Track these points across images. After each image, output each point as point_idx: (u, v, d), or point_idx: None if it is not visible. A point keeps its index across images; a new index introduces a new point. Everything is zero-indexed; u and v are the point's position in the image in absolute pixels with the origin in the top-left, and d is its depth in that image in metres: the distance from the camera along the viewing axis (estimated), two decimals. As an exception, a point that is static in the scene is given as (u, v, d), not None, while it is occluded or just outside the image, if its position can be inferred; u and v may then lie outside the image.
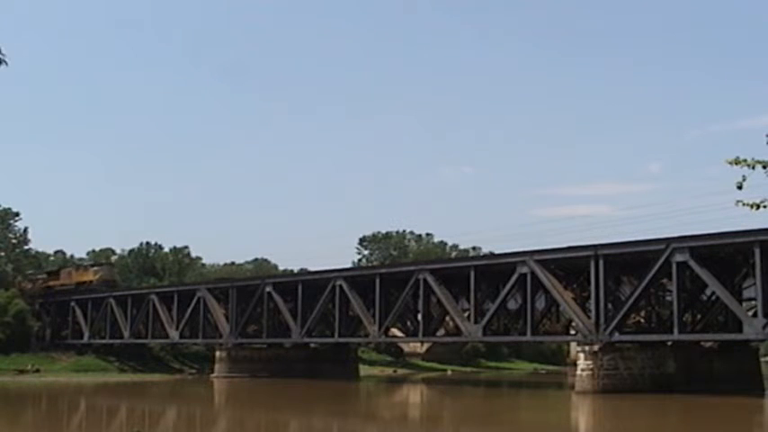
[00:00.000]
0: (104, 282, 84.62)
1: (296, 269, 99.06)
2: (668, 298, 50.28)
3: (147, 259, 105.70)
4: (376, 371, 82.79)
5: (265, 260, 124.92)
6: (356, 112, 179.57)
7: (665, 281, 49.24)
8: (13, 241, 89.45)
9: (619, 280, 52.86)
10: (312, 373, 64.99)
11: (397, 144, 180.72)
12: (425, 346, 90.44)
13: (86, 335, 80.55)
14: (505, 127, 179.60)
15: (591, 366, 47.16)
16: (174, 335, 73.66)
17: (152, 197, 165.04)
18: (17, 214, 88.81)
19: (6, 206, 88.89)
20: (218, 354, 69.31)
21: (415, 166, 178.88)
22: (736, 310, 45.21)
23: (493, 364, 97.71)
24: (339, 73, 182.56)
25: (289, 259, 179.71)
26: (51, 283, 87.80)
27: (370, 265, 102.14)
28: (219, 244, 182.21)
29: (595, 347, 47.25)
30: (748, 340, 48.44)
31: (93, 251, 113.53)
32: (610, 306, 48.67)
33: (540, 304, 56.15)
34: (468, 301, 56.34)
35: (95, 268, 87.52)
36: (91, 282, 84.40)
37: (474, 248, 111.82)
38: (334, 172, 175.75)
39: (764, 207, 8.68)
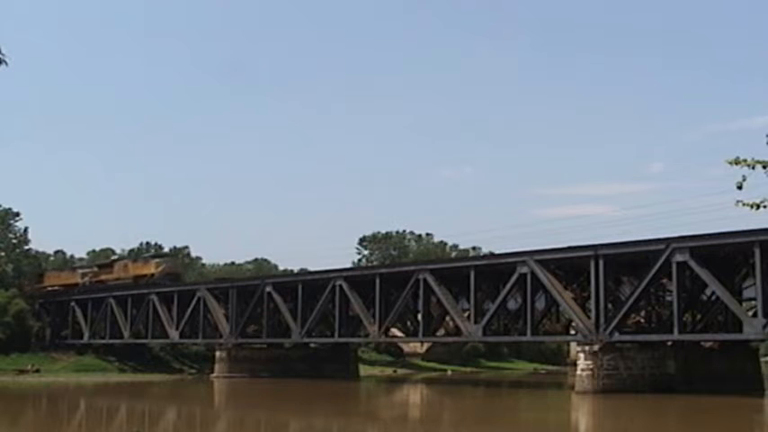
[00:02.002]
0: (168, 275, 78.07)
1: (296, 269, 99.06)
2: (668, 298, 50.25)
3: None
4: (376, 371, 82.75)
5: (265, 260, 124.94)
6: (356, 111, 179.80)
7: (665, 281, 49.21)
8: (14, 241, 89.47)
9: (619, 280, 52.85)
10: (312, 373, 64.99)
11: (397, 144, 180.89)
12: (425, 346, 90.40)
13: (86, 335, 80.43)
14: (505, 127, 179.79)
15: (591, 366, 47.15)
16: (174, 335, 73.60)
17: (152, 197, 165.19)
18: (17, 214, 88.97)
19: (6, 206, 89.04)
20: (218, 354, 69.27)
21: (415, 166, 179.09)
22: (736, 310, 45.21)
23: (493, 364, 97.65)
24: (339, 72, 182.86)
25: (289, 259, 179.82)
26: (104, 278, 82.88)
27: (370, 265, 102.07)
28: (219, 244, 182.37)
29: (595, 347, 47.23)
30: (748, 340, 48.45)
31: (93, 251, 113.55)
32: (610, 306, 48.66)
33: (540, 304, 56.14)
34: (468, 301, 56.32)
35: (157, 260, 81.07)
36: (152, 275, 78.25)
37: (474, 248, 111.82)
38: (335, 172, 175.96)
39: (764, 207, 8.68)
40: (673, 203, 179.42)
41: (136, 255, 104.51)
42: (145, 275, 78.81)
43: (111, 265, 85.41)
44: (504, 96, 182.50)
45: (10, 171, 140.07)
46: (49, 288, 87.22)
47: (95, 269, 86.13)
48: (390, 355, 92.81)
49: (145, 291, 76.34)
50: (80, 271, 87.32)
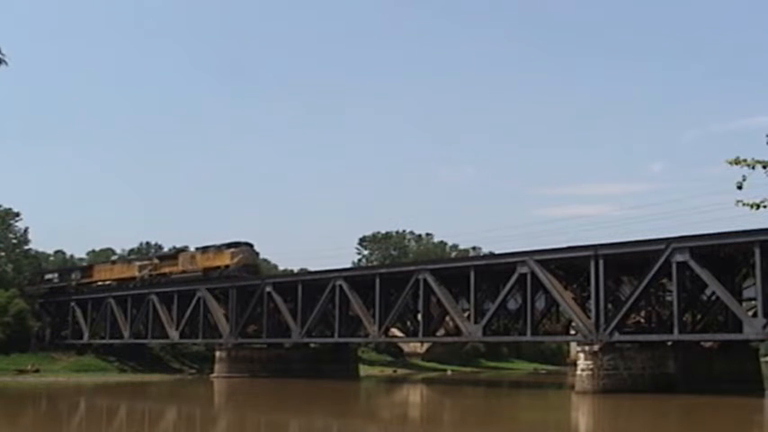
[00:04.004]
0: (245, 267, 71.02)
1: (296, 269, 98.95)
2: (668, 298, 50.25)
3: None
4: (376, 371, 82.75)
5: (265, 260, 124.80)
6: (356, 111, 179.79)
7: (665, 281, 49.22)
8: (14, 241, 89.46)
9: (619, 280, 52.85)
10: (312, 373, 64.97)
11: (397, 144, 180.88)
12: (425, 346, 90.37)
13: (86, 335, 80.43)
14: (506, 127, 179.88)
15: (591, 366, 47.14)
16: (174, 335, 73.59)
17: (152, 197, 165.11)
18: (17, 214, 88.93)
19: (6, 206, 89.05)
20: (217, 354, 69.25)
21: (415, 166, 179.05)
22: (736, 310, 45.19)
23: (493, 364, 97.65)
24: (339, 73, 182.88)
25: (289, 259, 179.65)
26: (166, 270, 76.38)
27: (370, 265, 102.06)
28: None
29: (595, 347, 47.23)
30: (748, 340, 48.44)
31: (93, 251, 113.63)
32: (610, 306, 48.65)
33: (540, 304, 56.15)
34: (468, 301, 56.31)
35: (232, 250, 71.73)
36: (227, 266, 71.21)
37: (474, 248, 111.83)
38: (335, 172, 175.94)
39: (764, 207, 8.68)
40: (673, 203, 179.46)
41: (135, 255, 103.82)
42: (218, 267, 71.89)
43: (175, 256, 78.19)
44: (505, 96, 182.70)
45: (10, 171, 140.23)
46: (99, 283, 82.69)
47: (156, 261, 79.83)
48: (390, 355, 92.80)
49: (145, 291, 76.33)
50: (137, 263, 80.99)
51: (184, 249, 78.55)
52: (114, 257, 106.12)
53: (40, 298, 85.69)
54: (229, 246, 72.39)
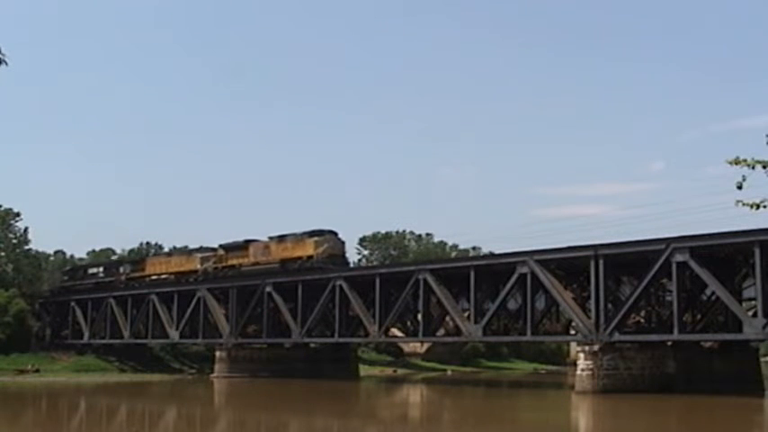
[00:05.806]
0: (330, 257, 63.65)
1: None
2: (668, 298, 50.26)
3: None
4: (376, 371, 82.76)
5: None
6: (356, 112, 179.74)
7: (665, 281, 49.22)
8: (14, 241, 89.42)
9: (619, 280, 52.86)
10: (312, 373, 64.97)
11: (397, 144, 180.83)
12: (425, 346, 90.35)
13: (86, 335, 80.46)
14: (506, 127, 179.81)
15: (591, 366, 47.16)
16: (174, 335, 73.59)
17: (152, 197, 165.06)
18: (17, 214, 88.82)
19: (6, 206, 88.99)
20: (218, 354, 69.26)
21: (415, 166, 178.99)
22: (736, 310, 45.18)
23: (493, 364, 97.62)
24: (339, 73, 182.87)
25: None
26: (235, 262, 70.11)
27: (370, 265, 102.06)
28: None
29: (595, 347, 47.24)
30: (748, 340, 48.46)
31: (93, 251, 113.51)
32: (610, 306, 48.67)
33: (540, 304, 56.16)
34: (468, 301, 56.31)
35: (315, 239, 64.08)
36: (310, 257, 63.79)
37: (474, 248, 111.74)
38: (335, 171, 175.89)
39: (764, 207, 8.69)
40: (673, 203, 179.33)
41: (135, 255, 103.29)
42: (299, 258, 64.84)
43: (245, 246, 70.01)
44: (505, 96, 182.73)
45: (10, 171, 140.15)
46: (154, 277, 77.96)
47: (221, 252, 72.02)
48: (390, 355, 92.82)
49: (145, 291, 76.32)
50: (199, 255, 73.69)
51: (255, 240, 70.12)
52: (114, 257, 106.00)
53: (40, 298, 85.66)
54: (312, 234, 65.18)
